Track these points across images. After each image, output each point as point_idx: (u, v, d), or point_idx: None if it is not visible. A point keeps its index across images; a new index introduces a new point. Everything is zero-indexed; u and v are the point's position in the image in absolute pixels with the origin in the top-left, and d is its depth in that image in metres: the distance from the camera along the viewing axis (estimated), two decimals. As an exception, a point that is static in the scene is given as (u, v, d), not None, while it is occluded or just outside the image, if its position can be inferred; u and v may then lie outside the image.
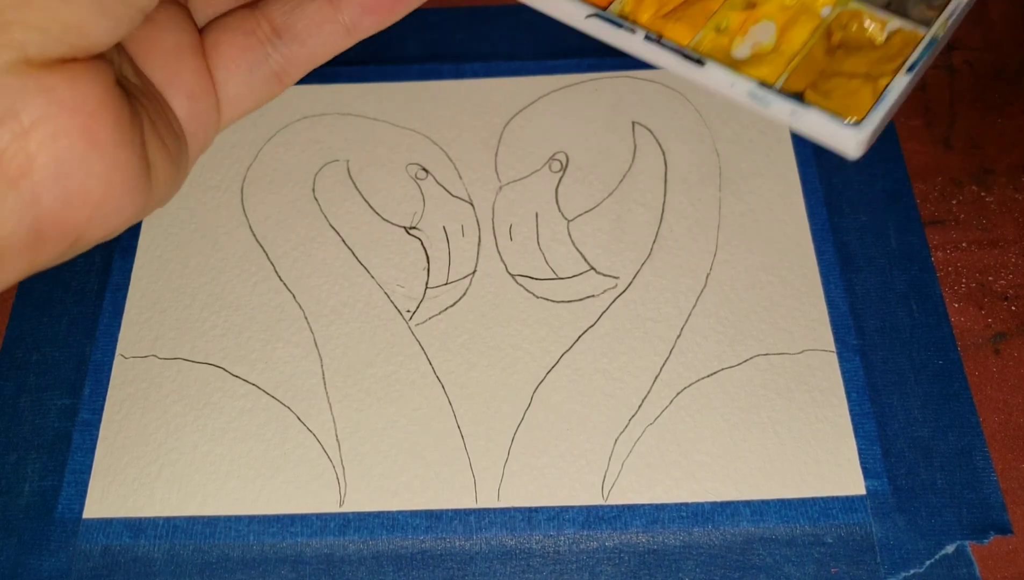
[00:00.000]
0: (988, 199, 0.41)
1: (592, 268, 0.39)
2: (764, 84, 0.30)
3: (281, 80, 0.30)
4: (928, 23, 0.32)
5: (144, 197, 0.23)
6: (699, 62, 0.31)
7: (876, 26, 0.33)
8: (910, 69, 0.31)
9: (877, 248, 0.39)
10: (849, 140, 0.30)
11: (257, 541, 0.34)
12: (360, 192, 0.42)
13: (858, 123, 0.30)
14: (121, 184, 0.22)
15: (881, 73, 0.32)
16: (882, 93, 0.30)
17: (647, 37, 0.32)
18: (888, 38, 0.33)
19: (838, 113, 0.30)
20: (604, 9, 0.34)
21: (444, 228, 0.41)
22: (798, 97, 0.31)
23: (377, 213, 0.41)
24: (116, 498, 0.35)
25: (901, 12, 0.33)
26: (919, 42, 0.31)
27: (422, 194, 0.42)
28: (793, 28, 0.34)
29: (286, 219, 0.41)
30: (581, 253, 0.40)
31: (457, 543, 0.34)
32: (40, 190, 0.21)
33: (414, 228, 0.41)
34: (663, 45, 0.32)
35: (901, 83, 0.30)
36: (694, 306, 0.38)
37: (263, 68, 0.29)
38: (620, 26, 0.33)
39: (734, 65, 0.32)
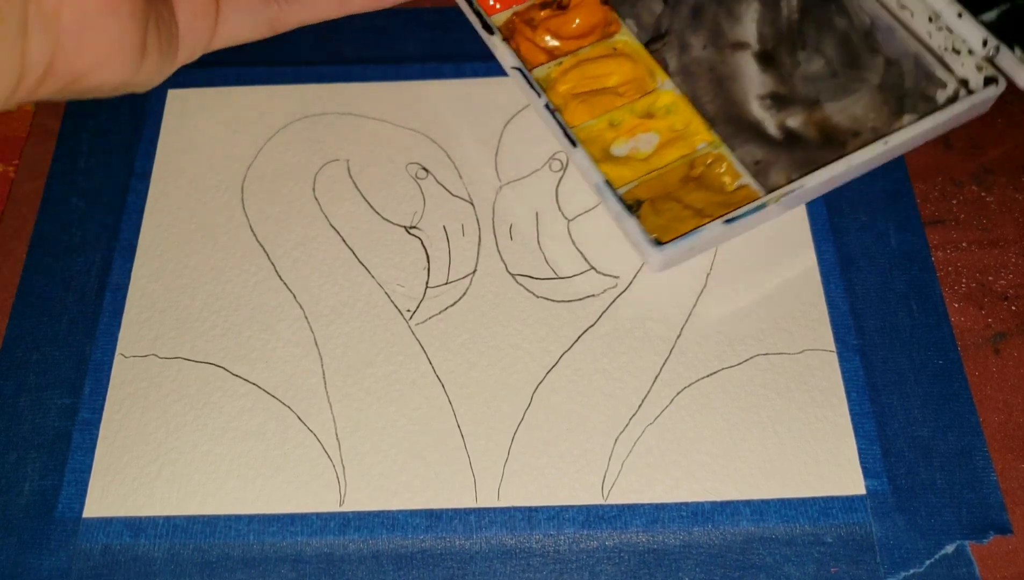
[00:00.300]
0: (988, 199, 0.41)
1: (592, 267, 0.39)
2: (609, 182, 0.35)
3: (272, 28, 0.35)
4: (772, 190, 0.35)
5: (133, 70, 0.28)
6: (573, 143, 0.36)
7: (730, 176, 0.37)
8: (728, 221, 0.34)
9: (877, 248, 0.39)
10: (651, 256, 0.34)
11: (257, 540, 0.34)
12: (360, 192, 0.42)
13: (661, 245, 0.33)
14: (121, 51, 0.27)
15: (710, 214, 0.35)
16: (694, 230, 0.34)
17: (546, 106, 0.37)
18: (736, 189, 0.36)
19: (652, 231, 0.34)
20: (531, 69, 0.38)
21: (444, 227, 0.41)
22: (632, 204, 0.35)
23: (377, 213, 0.41)
24: (116, 497, 0.35)
25: (761, 177, 0.36)
26: (752, 201, 0.34)
27: (422, 193, 0.42)
28: (669, 147, 0.38)
29: (286, 219, 0.41)
30: (581, 252, 0.40)
31: (457, 542, 0.34)
32: (62, 31, 0.25)
33: (414, 227, 0.41)
34: (555, 117, 0.36)
35: (713, 229, 0.34)
36: (694, 306, 0.38)
37: (261, 14, 0.34)
38: (531, 86, 0.37)
39: (608, 157, 0.37)
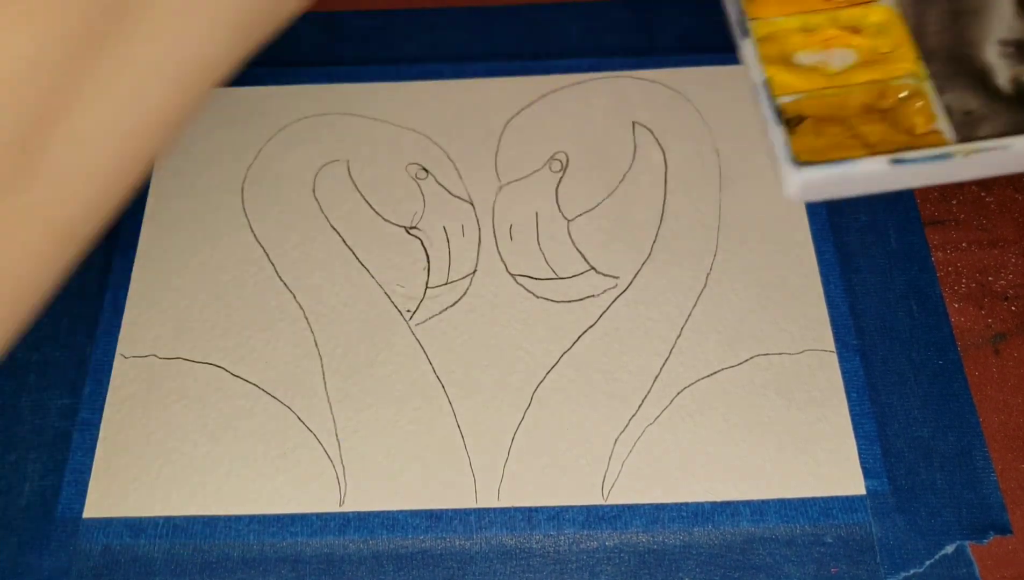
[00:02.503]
0: (988, 199, 0.41)
1: (592, 268, 0.39)
2: (767, 84, 0.30)
3: None
4: (967, 141, 0.29)
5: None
6: (744, 32, 0.31)
7: (924, 117, 0.31)
8: (896, 161, 0.29)
9: (877, 248, 0.39)
10: (788, 176, 0.29)
11: (257, 541, 0.34)
12: (360, 192, 0.42)
13: (801, 165, 0.28)
14: None
15: (883, 150, 0.30)
16: (847, 159, 0.28)
17: None
18: (926, 134, 0.31)
19: (802, 153, 0.29)
20: None
21: (444, 228, 0.41)
22: (792, 118, 0.31)
23: (377, 213, 0.41)
24: (116, 498, 0.35)
25: (965, 129, 0.31)
26: (937, 147, 0.29)
27: (422, 194, 0.42)
28: (863, 69, 0.32)
29: (286, 219, 0.41)
30: (581, 253, 0.40)
31: (457, 543, 0.34)
32: None
33: (414, 228, 0.41)
34: (730, 5, 0.32)
35: (874, 164, 0.28)
36: (694, 306, 0.38)
37: None
38: None
39: (786, 62, 0.32)
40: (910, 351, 0.37)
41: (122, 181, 0.21)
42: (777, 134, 0.29)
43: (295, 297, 0.39)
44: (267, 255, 0.40)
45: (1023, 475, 0.35)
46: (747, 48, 0.31)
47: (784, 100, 0.31)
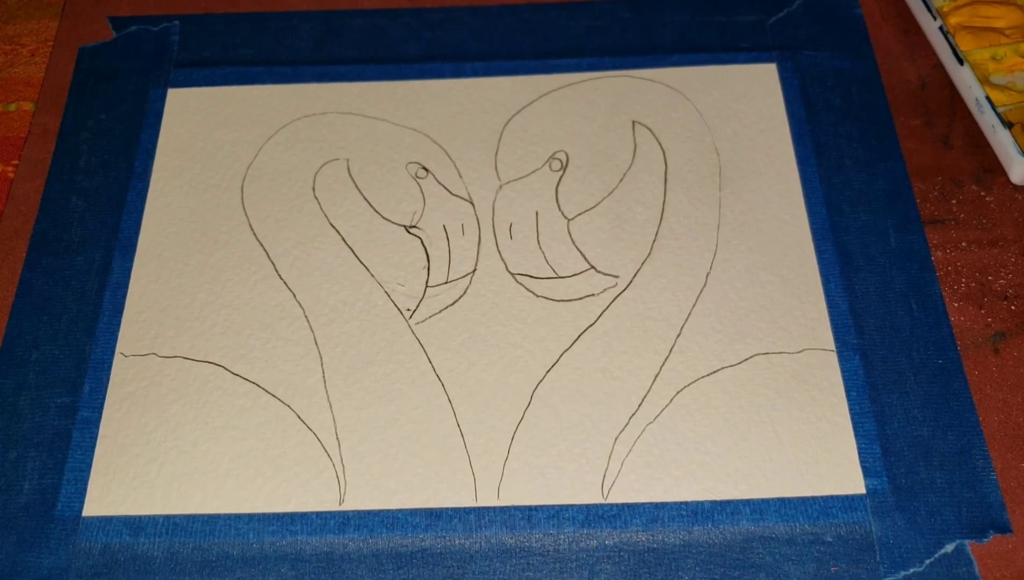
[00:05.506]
0: (988, 199, 0.41)
1: (592, 267, 0.39)
2: (989, 99, 0.40)
3: None
4: None
5: None
6: (960, 61, 0.43)
7: None
8: None
9: (877, 247, 0.40)
10: (1018, 164, 0.39)
11: (257, 539, 0.34)
12: (360, 191, 0.42)
13: None
14: None
15: None
16: None
17: (940, 28, 0.44)
18: None
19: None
20: None
21: (444, 227, 0.41)
22: (1007, 123, 0.40)
23: (377, 212, 0.41)
24: (116, 496, 0.35)
25: None
26: None
27: (422, 193, 0.42)
28: None
29: (286, 218, 0.41)
30: (581, 252, 0.40)
31: (457, 541, 0.34)
32: None
33: (414, 227, 0.41)
34: (946, 37, 0.43)
35: None
36: (694, 305, 0.38)
37: None
38: (929, 9, 0.44)
39: (987, 82, 0.42)
40: (910, 350, 0.37)
41: None
42: (1006, 135, 0.40)
43: (295, 296, 0.39)
44: (267, 254, 0.40)
45: (1023, 474, 0.35)
46: (966, 72, 0.42)
47: (1000, 110, 0.41)
